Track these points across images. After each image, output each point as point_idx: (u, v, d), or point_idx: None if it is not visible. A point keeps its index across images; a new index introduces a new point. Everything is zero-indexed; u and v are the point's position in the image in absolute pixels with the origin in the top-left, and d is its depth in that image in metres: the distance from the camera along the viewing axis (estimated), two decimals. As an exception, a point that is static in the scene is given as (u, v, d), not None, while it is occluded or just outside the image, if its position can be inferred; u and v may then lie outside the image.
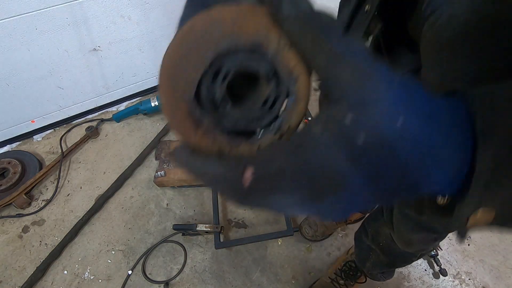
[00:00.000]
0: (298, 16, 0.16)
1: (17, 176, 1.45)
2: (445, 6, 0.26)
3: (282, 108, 0.19)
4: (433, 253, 1.22)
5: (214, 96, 0.18)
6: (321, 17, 0.16)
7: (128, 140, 1.68)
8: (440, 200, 0.18)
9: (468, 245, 1.29)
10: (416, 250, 0.80)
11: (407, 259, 0.89)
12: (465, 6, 0.23)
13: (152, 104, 1.70)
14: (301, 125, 0.19)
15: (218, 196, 1.36)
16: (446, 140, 0.15)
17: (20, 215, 1.40)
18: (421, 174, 0.16)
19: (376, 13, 0.37)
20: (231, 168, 0.17)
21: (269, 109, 0.19)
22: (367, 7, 0.39)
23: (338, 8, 0.56)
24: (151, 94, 1.87)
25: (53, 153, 1.62)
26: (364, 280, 1.15)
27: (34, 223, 1.40)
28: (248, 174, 0.16)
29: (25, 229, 1.38)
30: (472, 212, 0.16)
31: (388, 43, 0.42)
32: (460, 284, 1.22)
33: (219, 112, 0.18)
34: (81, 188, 1.50)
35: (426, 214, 0.20)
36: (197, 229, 1.23)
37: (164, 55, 0.19)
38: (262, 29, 0.17)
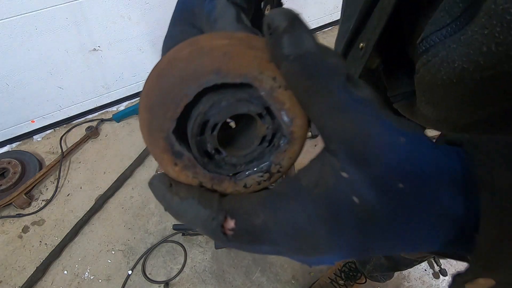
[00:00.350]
0: (298, 56, 0.14)
1: (17, 176, 1.45)
2: (440, 47, 0.24)
3: (274, 148, 0.18)
4: (433, 253, 1.22)
5: (206, 148, 0.17)
6: (326, 58, 0.14)
7: (128, 140, 1.68)
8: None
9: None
10: (417, 257, 0.80)
11: (409, 264, 0.89)
12: (462, 53, 0.21)
13: (152, 104, 1.70)
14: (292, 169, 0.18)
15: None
16: (446, 207, 0.14)
17: (20, 215, 1.40)
18: (416, 243, 0.15)
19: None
20: (211, 215, 0.16)
21: (267, 147, 0.17)
22: (361, 44, 0.37)
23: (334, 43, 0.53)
24: (151, 94, 1.86)
25: (53, 153, 1.62)
26: (364, 281, 1.15)
27: (34, 223, 1.40)
28: (230, 226, 0.15)
29: (25, 229, 1.38)
30: (471, 280, 0.15)
31: (387, 69, 0.40)
32: (460, 284, 1.22)
33: (214, 160, 0.17)
34: (81, 188, 1.50)
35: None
36: (197, 229, 1.23)
37: (145, 82, 0.18)
38: (256, 64, 0.15)
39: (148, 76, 0.18)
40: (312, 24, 2.21)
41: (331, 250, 0.15)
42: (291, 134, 0.17)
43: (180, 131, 0.16)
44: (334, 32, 2.28)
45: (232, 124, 0.20)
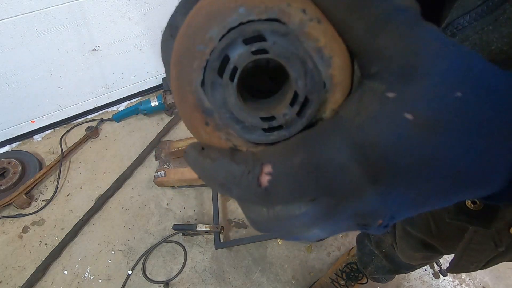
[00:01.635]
0: None
1: (17, 176, 1.45)
2: (470, 31, 0.23)
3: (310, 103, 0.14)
4: (433, 253, 1.22)
5: (224, 99, 0.14)
6: None
7: (128, 140, 1.68)
8: (471, 205, 0.16)
9: (468, 245, 1.29)
10: (419, 264, 0.80)
11: (410, 267, 0.88)
12: (503, 34, 0.20)
13: (152, 104, 1.70)
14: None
15: (218, 196, 1.36)
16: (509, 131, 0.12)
17: (20, 215, 1.40)
18: (474, 179, 0.13)
19: None
20: (246, 167, 0.14)
21: (300, 109, 0.14)
22: None
23: None
24: (151, 94, 1.87)
25: (53, 153, 1.62)
26: (365, 281, 1.15)
27: (34, 223, 1.40)
28: (267, 170, 0.14)
29: (25, 229, 1.38)
30: None
31: None
32: (460, 284, 1.22)
33: (242, 123, 0.15)
34: (81, 188, 1.50)
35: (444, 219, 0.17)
36: (197, 229, 1.23)
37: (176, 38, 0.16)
38: None
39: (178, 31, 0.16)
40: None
41: (375, 191, 0.13)
42: (330, 78, 0.14)
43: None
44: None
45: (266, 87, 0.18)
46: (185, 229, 1.26)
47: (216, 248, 1.22)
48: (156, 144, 1.61)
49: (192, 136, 0.18)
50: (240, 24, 0.13)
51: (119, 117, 1.72)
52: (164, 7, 1.56)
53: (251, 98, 0.16)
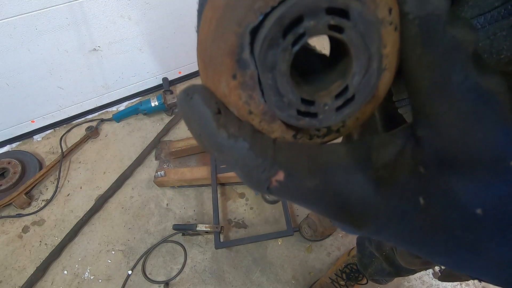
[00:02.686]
0: (418, 17, 0.12)
1: (17, 176, 1.45)
2: (482, 35, 0.21)
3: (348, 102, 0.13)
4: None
5: (273, 64, 0.12)
6: (451, 27, 0.11)
7: (128, 140, 1.68)
8: None
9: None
10: (419, 268, 0.79)
11: (410, 271, 0.88)
12: None
13: (152, 104, 1.70)
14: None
15: (218, 196, 1.36)
16: None
17: (20, 215, 1.40)
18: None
19: None
20: (263, 166, 0.13)
21: (341, 105, 0.13)
22: None
23: None
24: (151, 94, 1.87)
25: (53, 153, 1.62)
26: (365, 282, 1.15)
27: (34, 223, 1.40)
28: (279, 178, 0.13)
29: (25, 229, 1.38)
30: None
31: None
32: (460, 284, 1.22)
33: (278, 92, 0.13)
34: (81, 188, 1.50)
35: None
36: (197, 229, 1.23)
37: None
38: None
39: None
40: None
41: (371, 232, 0.14)
42: (373, 90, 0.13)
43: (254, 36, 0.12)
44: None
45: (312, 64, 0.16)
46: (185, 229, 1.26)
47: (216, 248, 1.22)
48: (156, 144, 1.61)
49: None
50: None
51: (119, 117, 1.72)
52: (164, 7, 1.56)
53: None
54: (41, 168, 1.53)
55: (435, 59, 0.11)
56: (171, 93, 1.74)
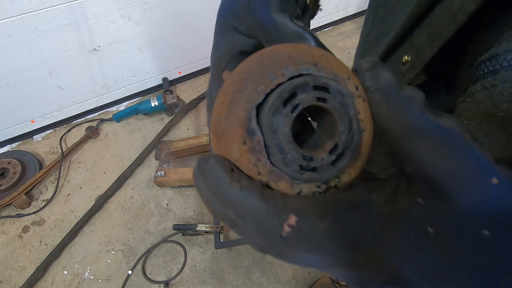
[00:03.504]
0: (377, 88, 0.15)
1: (17, 176, 1.45)
2: None
3: (339, 160, 0.16)
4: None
5: (277, 128, 0.15)
6: (402, 89, 0.15)
7: (128, 140, 1.68)
8: None
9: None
10: None
11: None
12: None
13: (152, 104, 1.70)
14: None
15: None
16: None
17: (20, 215, 1.40)
18: None
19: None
20: (275, 213, 0.14)
21: (335, 159, 0.16)
22: (405, 57, 0.30)
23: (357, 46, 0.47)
24: (151, 94, 1.87)
25: (53, 153, 1.62)
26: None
27: (34, 223, 1.40)
28: (291, 223, 0.14)
29: (25, 229, 1.38)
30: None
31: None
32: None
33: (282, 153, 0.16)
34: (81, 188, 1.50)
35: None
36: (197, 229, 1.23)
37: (243, 62, 0.18)
38: (346, 70, 0.16)
39: (246, 59, 0.18)
40: (312, 24, 2.20)
41: (390, 275, 0.14)
42: (358, 147, 0.16)
43: (258, 111, 0.16)
44: (334, 32, 2.28)
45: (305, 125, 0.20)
46: (185, 229, 1.26)
47: (216, 248, 1.22)
48: (156, 144, 1.61)
49: (208, 143, 0.19)
50: (310, 74, 0.16)
51: (119, 117, 1.72)
52: (164, 7, 1.56)
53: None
54: (41, 168, 1.53)
55: (398, 113, 0.14)
56: (171, 93, 1.74)
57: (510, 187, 0.12)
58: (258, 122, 0.15)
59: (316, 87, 0.15)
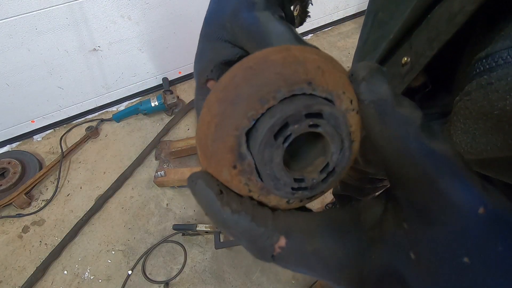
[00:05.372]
0: (372, 102, 0.15)
1: (17, 176, 1.45)
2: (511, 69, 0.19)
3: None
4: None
5: (270, 159, 0.15)
6: (399, 107, 0.14)
7: (128, 140, 1.68)
8: None
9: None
10: None
11: None
12: None
13: (152, 104, 1.70)
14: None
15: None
16: None
17: (20, 215, 1.41)
18: None
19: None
20: (266, 234, 0.15)
21: (324, 178, 0.16)
22: (405, 59, 0.30)
23: (358, 43, 0.46)
24: (151, 94, 1.87)
25: (53, 153, 1.62)
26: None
27: (34, 223, 1.40)
28: (281, 245, 0.15)
29: (25, 229, 1.38)
30: None
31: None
32: None
33: (272, 173, 0.16)
34: (81, 188, 1.50)
35: None
36: (197, 229, 1.23)
37: (226, 74, 0.17)
38: (341, 84, 0.16)
39: (231, 70, 0.16)
40: (312, 24, 2.21)
41: None
42: (348, 161, 0.16)
43: (248, 133, 0.15)
44: (334, 32, 2.28)
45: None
46: (185, 229, 1.26)
47: (216, 248, 1.22)
48: (156, 144, 1.61)
49: (196, 147, 0.18)
50: (304, 94, 0.15)
51: (119, 117, 1.72)
52: (164, 7, 1.56)
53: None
54: (41, 168, 1.53)
55: (392, 134, 0.14)
56: (171, 93, 1.74)
57: (494, 216, 0.12)
58: (248, 146, 0.15)
59: (308, 115, 0.14)
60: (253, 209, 0.16)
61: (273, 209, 0.17)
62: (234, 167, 0.16)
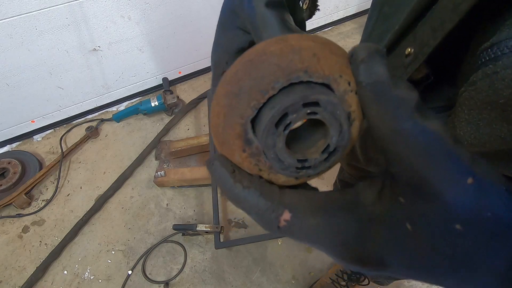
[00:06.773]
0: (369, 84, 0.15)
1: (17, 176, 1.45)
2: None
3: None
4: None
5: (273, 145, 0.17)
6: (395, 88, 0.15)
7: (128, 140, 1.68)
8: None
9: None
10: None
11: None
12: None
13: (152, 104, 1.70)
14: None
15: (218, 196, 1.36)
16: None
17: (20, 215, 1.41)
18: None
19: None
20: (272, 208, 0.17)
21: (326, 157, 0.17)
22: (408, 50, 0.30)
23: (362, 35, 0.46)
24: (151, 94, 1.87)
25: (53, 153, 1.62)
26: (367, 283, 1.15)
27: (34, 223, 1.40)
28: (286, 218, 0.17)
29: (25, 229, 1.38)
30: None
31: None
32: None
33: (277, 156, 0.17)
34: (81, 188, 1.50)
35: None
36: (197, 229, 1.23)
37: (229, 69, 0.18)
38: (337, 68, 0.16)
39: (234, 64, 0.18)
40: (312, 24, 2.21)
41: (376, 266, 0.16)
42: (349, 140, 0.17)
43: (254, 121, 0.17)
44: (334, 32, 2.28)
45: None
46: (185, 229, 1.26)
47: (216, 248, 1.22)
48: (156, 144, 1.61)
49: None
50: (301, 82, 0.16)
51: (119, 117, 1.72)
52: (164, 7, 1.56)
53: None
54: (41, 168, 1.53)
55: (387, 113, 0.14)
56: (171, 93, 1.74)
57: (483, 185, 0.13)
58: (254, 132, 0.17)
59: (307, 104, 0.16)
60: (261, 186, 0.18)
61: (283, 186, 0.18)
62: (244, 150, 0.18)
